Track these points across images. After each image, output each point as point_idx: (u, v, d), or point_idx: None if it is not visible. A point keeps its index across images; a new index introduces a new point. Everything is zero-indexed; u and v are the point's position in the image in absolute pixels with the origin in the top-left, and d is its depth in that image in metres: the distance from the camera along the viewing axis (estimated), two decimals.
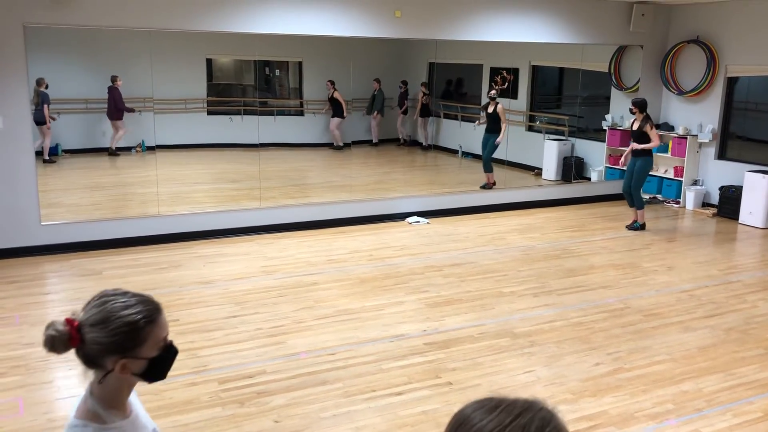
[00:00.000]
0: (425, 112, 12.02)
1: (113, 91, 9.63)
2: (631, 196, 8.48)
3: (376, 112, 11.56)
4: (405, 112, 11.99)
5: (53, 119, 9.14)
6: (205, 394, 4.18)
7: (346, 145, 11.17)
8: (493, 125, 9.87)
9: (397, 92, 11.98)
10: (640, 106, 8.27)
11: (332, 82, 10.86)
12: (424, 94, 11.91)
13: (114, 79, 9.46)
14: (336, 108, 10.92)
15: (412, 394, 4.24)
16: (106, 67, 9.87)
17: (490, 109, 9.85)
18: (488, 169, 9.99)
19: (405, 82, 11.90)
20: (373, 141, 11.75)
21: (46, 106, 8.96)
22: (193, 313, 5.50)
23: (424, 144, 12.30)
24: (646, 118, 8.26)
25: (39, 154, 9.44)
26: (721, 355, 4.92)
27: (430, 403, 4.12)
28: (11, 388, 4.24)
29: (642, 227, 8.51)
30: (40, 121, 9.04)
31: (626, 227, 8.57)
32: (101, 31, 7.73)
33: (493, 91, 9.98)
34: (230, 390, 4.24)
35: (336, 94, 10.84)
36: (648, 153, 8.36)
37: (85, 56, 9.67)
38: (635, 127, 8.29)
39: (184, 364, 4.58)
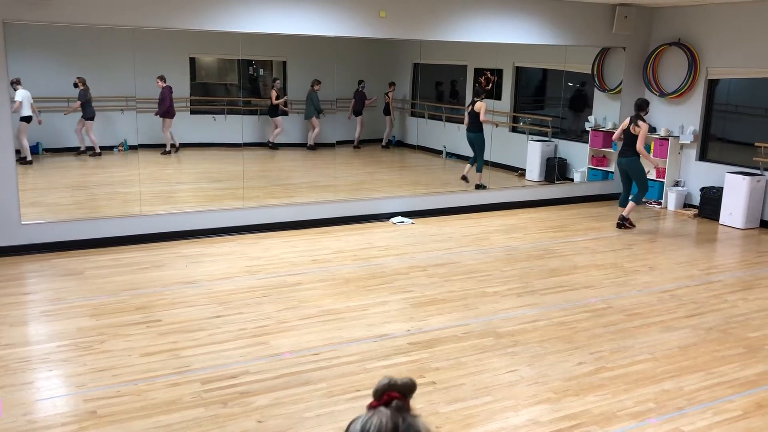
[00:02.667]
0: (387, 111, 11.94)
1: (167, 90, 9.81)
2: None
3: (319, 114, 11.29)
4: (359, 113, 11.71)
5: (39, 122, 9.12)
6: (187, 395, 4.16)
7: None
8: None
9: (383, 93, 11.90)
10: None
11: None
12: (387, 93, 11.84)
13: (164, 78, 9.63)
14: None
15: None
16: (88, 66, 9.78)
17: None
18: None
19: (361, 82, 11.65)
20: (310, 144, 11.50)
21: (79, 102, 9.09)
22: (175, 314, 5.46)
23: (383, 143, 12.20)
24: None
25: (86, 149, 9.65)
26: (702, 355, 4.97)
27: (414, 403, 4.12)
28: None
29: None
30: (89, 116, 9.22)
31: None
32: (83, 29, 7.65)
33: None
34: (213, 390, 4.22)
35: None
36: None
37: (66, 54, 9.57)
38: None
39: (166, 364, 4.55)
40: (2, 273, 6.41)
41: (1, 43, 6.61)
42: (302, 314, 5.52)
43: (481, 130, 9.85)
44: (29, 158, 9.09)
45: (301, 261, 6.99)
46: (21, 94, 8.52)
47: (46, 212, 8.02)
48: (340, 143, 11.85)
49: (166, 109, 9.88)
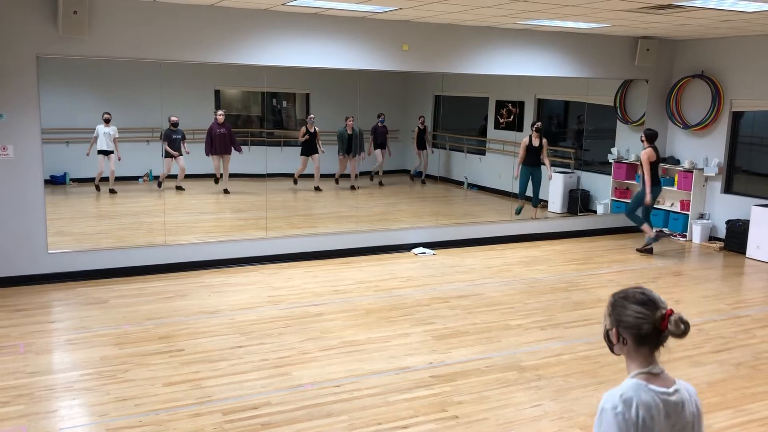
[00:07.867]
0: (422, 144, 11.87)
1: (228, 126, 10.42)
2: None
3: (361, 153, 11.20)
4: (383, 146, 11.57)
5: (119, 159, 9.71)
6: (209, 425, 4.15)
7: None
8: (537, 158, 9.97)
9: (405, 125, 11.92)
10: (647, 137, 8.78)
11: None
12: (421, 127, 11.78)
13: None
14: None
15: (418, 427, 4.19)
16: (116, 98, 10.00)
17: (536, 143, 9.86)
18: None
19: (381, 115, 11.41)
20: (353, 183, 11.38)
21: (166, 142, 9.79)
22: (198, 343, 5.48)
23: (422, 177, 12.11)
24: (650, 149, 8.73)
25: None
26: (731, 391, 4.87)
27: None
28: (15, 417, 4.22)
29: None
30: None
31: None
32: (112, 63, 7.84)
33: (539, 123, 10.03)
34: (235, 421, 4.21)
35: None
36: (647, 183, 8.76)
37: (96, 87, 9.80)
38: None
39: (188, 394, 4.56)
40: (29, 301, 6.49)
41: (35, 76, 6.79)
42: (324, 345, 5.51)
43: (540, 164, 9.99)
44: (97, 183, 9.80)
45: (323, 291, 6.99)
46: (98, 130, 9.42)
47: (73, 241, 8.13)
48: (364, 174, 11.94)
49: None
